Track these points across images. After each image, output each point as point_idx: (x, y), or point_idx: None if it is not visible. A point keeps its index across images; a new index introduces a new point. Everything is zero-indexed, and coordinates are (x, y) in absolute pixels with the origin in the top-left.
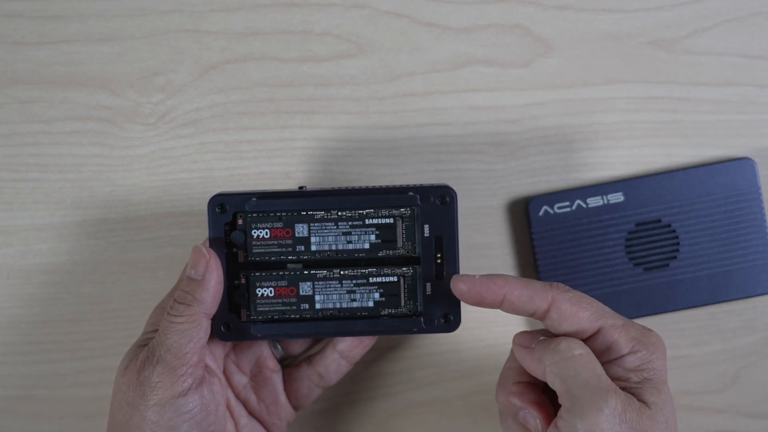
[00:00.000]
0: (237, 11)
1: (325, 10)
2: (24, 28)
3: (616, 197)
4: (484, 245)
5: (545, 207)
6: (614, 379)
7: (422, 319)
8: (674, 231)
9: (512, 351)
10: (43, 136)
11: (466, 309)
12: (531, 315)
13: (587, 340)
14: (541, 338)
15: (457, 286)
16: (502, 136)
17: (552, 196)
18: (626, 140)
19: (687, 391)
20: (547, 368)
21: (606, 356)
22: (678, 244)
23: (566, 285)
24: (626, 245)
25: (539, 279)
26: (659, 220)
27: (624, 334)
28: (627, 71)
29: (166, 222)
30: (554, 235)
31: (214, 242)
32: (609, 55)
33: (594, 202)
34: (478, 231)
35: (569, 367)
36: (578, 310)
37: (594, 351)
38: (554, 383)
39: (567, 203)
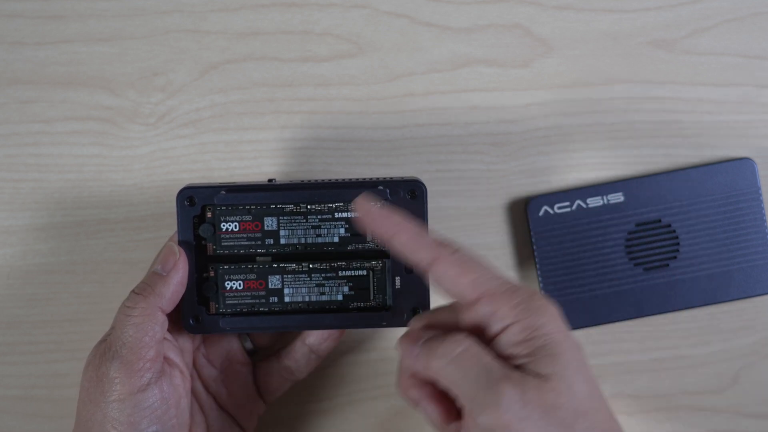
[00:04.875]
0: (237, 11)
1: (325, 10)
2: (24, 28)
3: (616, 197)
4: (484, 245)
5: (545, 207)
6: (506, 358)
7: (391, 312)
8: (674, 231)
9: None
10: (43, 136)
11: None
12: (416, 266)
13: (469, 310)
14: (423, 340)
15: (358, 204)
16: (502, 136)
17: (552, 196)
18: (626, 140)
19: (687, 391)
20: (435, 376)
21: (490, 330)
22: (678, 244)
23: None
24: (626, 245)
25: (539, 279)
26: (659, 220)
27: (506, 301)
28: (627, 71)
29: (166, 222)
30: (554, 235)
31: (183, 243)
32: (609, 55)
33: (594, 202)
34: (478, 231)
35: (456, 370)
36: (459, 274)
37: (478, 323)
38: (448, 390)
39: (567, 203)
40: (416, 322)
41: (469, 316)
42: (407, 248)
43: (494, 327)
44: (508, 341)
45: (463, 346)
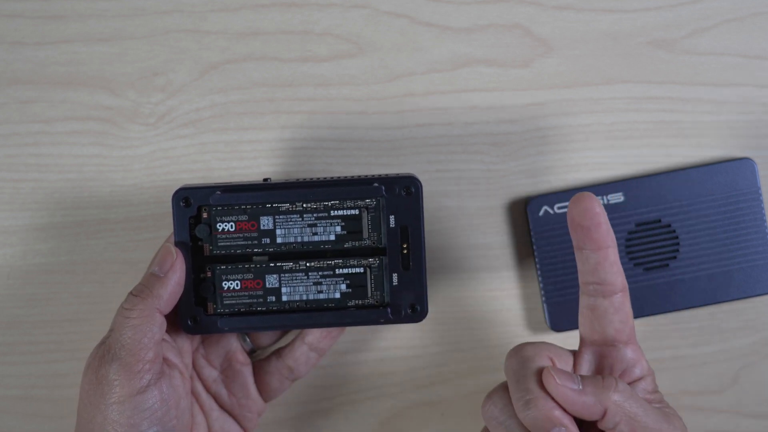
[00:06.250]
0: (237, 11)
1: (325, 10)
2: (24, 28)
3: (616, 197)
4: (484, 245)
5: (545, 207)
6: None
7: (389, 309)
8: (674, 231)
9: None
10: (43, 136)
11: (453, 305)
12: (600, 284)
13: (615, 350)
14: (581, 376)
15: (584, 200)
16: (502, 136)
17: (552, 196)
18: (626, 140)
19: (687, 391)
20: (613, 407)
21: (630, 374)
22: (678, 244)
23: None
24: (626, 245)
25: (539, 279)
26: (659, 220)
27: (643, 354)
28: (627, 71)
29: (166, 222)
30: (554, 235)
31: (180, 244)
32: (609, 55)
33: None
34: (478, 231)
35: (636, 403)
36: (630, 314)
37: (616, 365)
38: (612, 422)
39: (567, 203)
40: (541, 360)
41: (612, 355)
42: (609, 265)
43: (636, 373)
44: (645, 388)
45: (625, 384)
